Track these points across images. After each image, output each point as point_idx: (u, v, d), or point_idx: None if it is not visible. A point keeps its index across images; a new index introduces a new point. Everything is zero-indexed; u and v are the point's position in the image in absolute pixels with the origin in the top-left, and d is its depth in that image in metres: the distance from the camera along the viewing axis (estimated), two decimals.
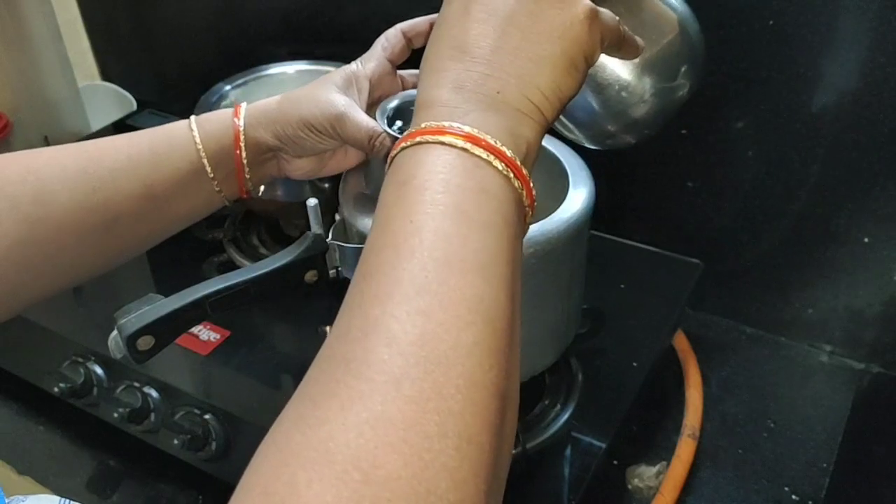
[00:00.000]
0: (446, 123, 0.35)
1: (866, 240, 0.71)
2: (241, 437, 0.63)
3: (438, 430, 0.27)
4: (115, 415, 0.65)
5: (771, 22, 0.66)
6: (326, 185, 0.76)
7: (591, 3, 0.39)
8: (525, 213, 0.36)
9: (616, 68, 0.49)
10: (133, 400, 0.66)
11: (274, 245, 0.83)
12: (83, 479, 0.70)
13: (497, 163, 0.34)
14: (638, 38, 0.45)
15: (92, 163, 0.50)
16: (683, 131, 0.76)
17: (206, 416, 0.64)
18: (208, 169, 0.52)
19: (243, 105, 0.54)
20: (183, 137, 0.52)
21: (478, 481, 0.27)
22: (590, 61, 0.40)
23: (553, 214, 0.55)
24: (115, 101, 1.12)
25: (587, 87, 0.49)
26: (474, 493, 0.27)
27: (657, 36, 0.49)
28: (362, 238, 0.53)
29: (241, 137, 0.53)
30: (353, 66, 0.55)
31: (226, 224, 0.85)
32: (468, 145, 0.34)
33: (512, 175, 0.34)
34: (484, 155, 0.34)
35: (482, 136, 0.34)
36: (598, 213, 0.58)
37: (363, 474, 0.25)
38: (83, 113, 1.07)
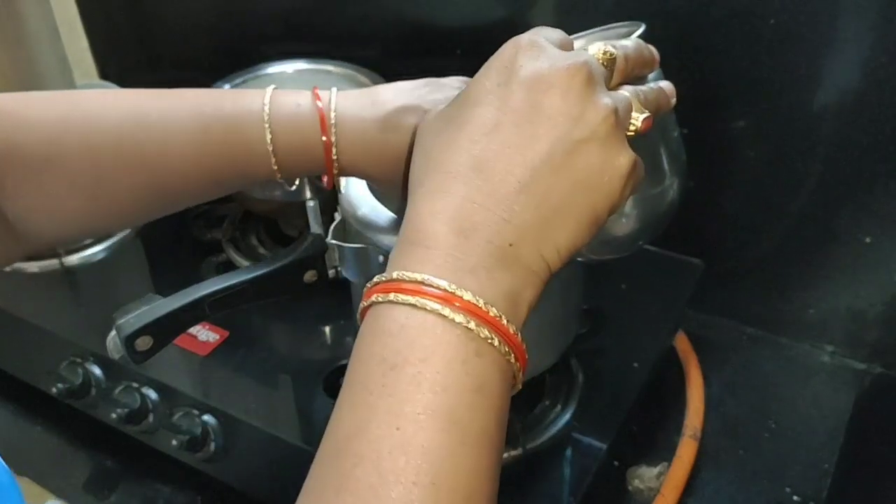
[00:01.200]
0: (445, 284, 0.29)
1: (868, 240, 0.71)
2: (239, 438, 0.63)
3: None
4: (114, 415, 0.65)
5: (771, 21, 0.66)
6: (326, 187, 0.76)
7: (634, 155, 0.34)
8: (517, 388, 0.32)
9: None
10: (131, 400, 0.66)
11: (273, 245, 0.83)
12: (81, 479, 0.70)
13: (500, 345, 0.30)
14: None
15: (155, 155, 0.44)
16: (684, 131, 0.76)
17: (205, 417, 0.64)
18: (278, 176, 0.46)
19: (332, 119, 0.43)
20: (260, 152, 0.44)
21: None
22: (612, 214, 0.35)
23: None
24: None
25: None
26: None
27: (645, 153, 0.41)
28: (362, 238, 0.53)
29: (335, 165, 0.44)
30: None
31: (225, 224, 0.85)
32: (472, 323, 0.29)
33: (513, 358, 0.31)
34: (487, 336, 0.29)
35: (487, 309, 0.29)
36: None
37: None
38: None
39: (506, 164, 0.31)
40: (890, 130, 0.65)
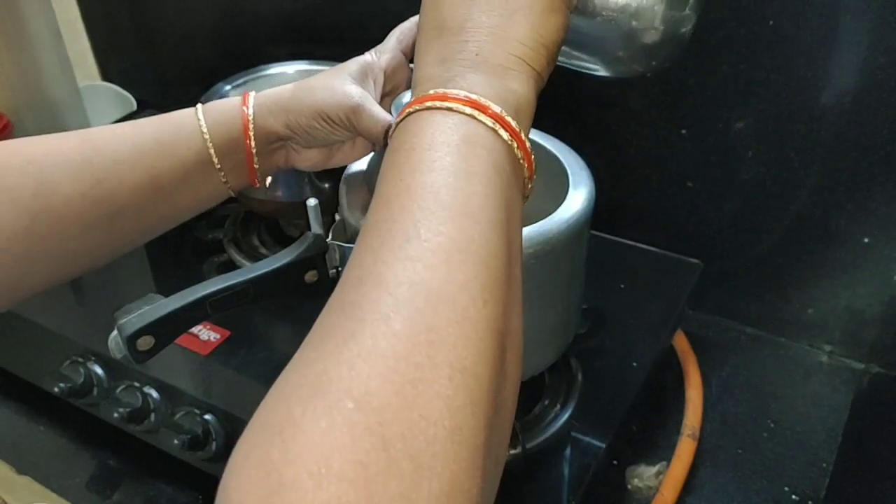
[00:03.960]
0: (431, 91, 0.36)
1: (866, 240, 0.71)
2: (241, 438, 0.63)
3: (429, 361, 0.27)
4: (116, 415, 0.65)
5: (771, 22, 0.66)
6: (326, 185, 0.76)
7: None
8: (520, 166, 0.36)
9: None
10: (133, 400, 0.66)
11: (274, 245, 0.83)
12: (83, 478, 0.70)
13: (482, 117, 0.34)
14: None
15: (95, 153, 0.49)
16: (683, 131, 0.76)
17: (206, 416, 0.64)
18: (215, 160, 0.52)
19: (251, 93, 0.53)
20: (189, 126, 0.51)
21: (475, 410, 0.28)
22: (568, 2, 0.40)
23: (553, 214, 0.55)
24: (115, 101, 1.12)
25: (596, 19, 0.48)
26: (472, 421, 0.27)
27: None
28: None
29: (251, 126, 0.52)
30: (368, 56, 0.55)
31: (226, 224, 0.85)
32: (453, 105, 0.35)
33: (499, 128, 0.35)
34: (468, 111, 0.34)
35: (466, 96, 0.35)
36: (598, 213, 0.58)
37: (356, 402, 0.26)
38: (83, 113, 1.07)
39: (451, 10, 0.39)
40: (889, 131, 0.66)
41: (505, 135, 0.35)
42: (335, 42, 0.92)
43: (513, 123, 0.35)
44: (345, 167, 0.61)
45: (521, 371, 0.33)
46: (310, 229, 0.53)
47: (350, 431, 0.25)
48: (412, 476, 0.25)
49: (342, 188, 0.58)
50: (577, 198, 0.57)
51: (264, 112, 0.52)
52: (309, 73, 0.86)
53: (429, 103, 0.35)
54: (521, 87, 0.37)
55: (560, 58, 0.44)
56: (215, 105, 0.53)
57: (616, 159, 0.80)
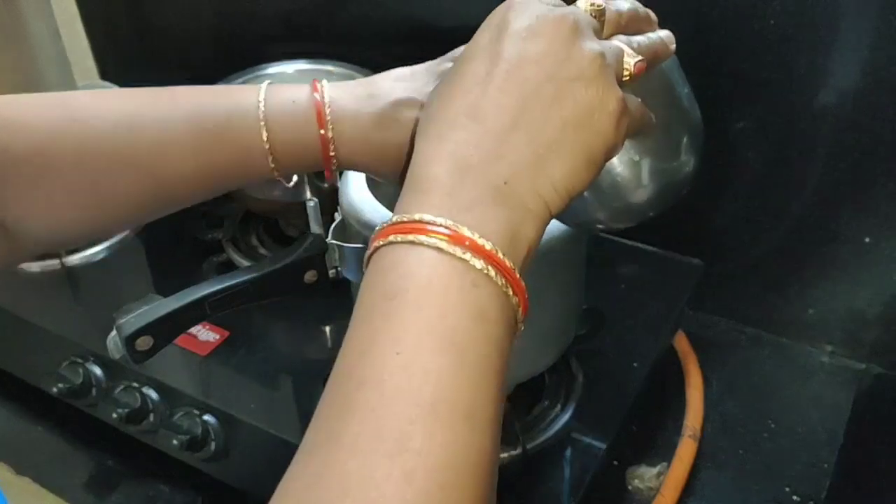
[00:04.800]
0: (442, 221, 0.31)
1: (867, 240, 0.71)
2: (239, 438, 0.63)
3: None
4: (114, 415, 0.65)
5: (771, 22, 0.66)
6: (326, 185, 0.76)
7: (622, 94, 0.35)
8: (517, 328, 0.33)
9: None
10: (132, 400, 0.66)
11: (273, 245, 0.83)
12: (82, 479, 0.70)
13: (497, 277, 0.30)
14: (651, 115, 0.40)
15: (148, 148, 0.44)
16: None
17: (205, 417, 0.64)
18: (275, 174, 0.45)
19: (328, 118, 0.43)
20: (257, 152, 0.44)
21: None
22: (609, 157, 0.36)
23: None
24: None
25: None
26: None
27: (654, 110, 0.42)
28: (362, 238, 0.53)
29: (333, 161, 0.44)
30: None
31: (225, 224, 0.85)
32: (468, 256, 0.30)
33: (511, 291, 0.31)
34: (483, 268, 0.30)
35: (483, 244, 0.30)
36: None
37: None
38: None
39: (497, 107, 0.33)
40: (890, 131, 0.65)
41: (514, 300, 0.31)
42: (334, 41, 0.92)
43: (523, 284, 0.32)
44: None
45: None
46: (309, 229, 0.53)
47: None
48: None
49: (342, 188, 0.58)
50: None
51: (349, 154, 0.44)
52: (308, 73, 0.86)
53: (439, 243, 0.30)
54: (533, 235, 0.33)
55: None
56: (285, 124, 0.44)
57: None
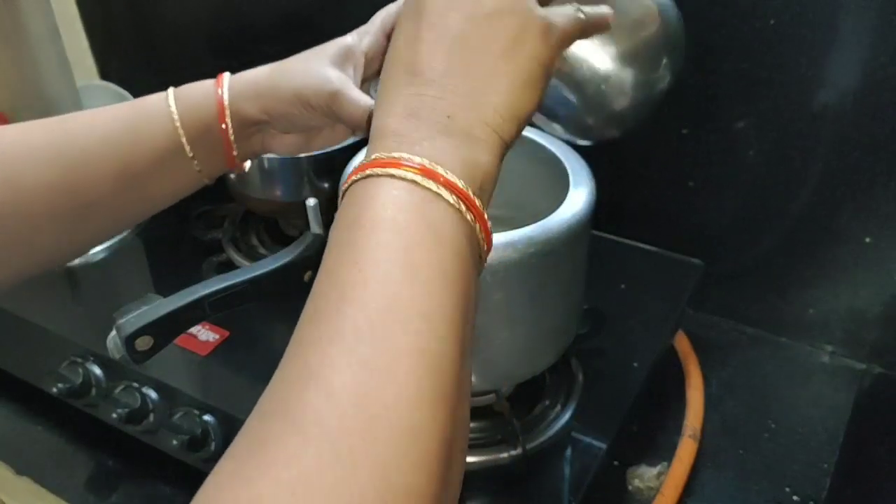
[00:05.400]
0: (396, 154, 0.34)
1: (867, 239, 0.71)
2: None
3: (373, 484, 0.26)
4: (114, 415, 0.65)
5: (772, 21, 0.66)
6: (326, 185, 0.76)
7: (543, 16, 0.38)
8: (479, 246, 0.34)
9: (594, 63, 0.47)
10: (132, 400, 0.66)
11: (273, 245, 0.83)
12: (82, 479, 0.70)
13: (449, 195, 0.33)
14: (603, 8, 0.42)
15: (62, 142, 0.47)
16: (684, 131, 0.76)
17: (205, 417, 0.64)
18: (187, 148, 0.49)
19: (226, 75, 0.50)
20: (160, 112, 0.49)
21: None
22: (550, 71, 0.39)
23: (553, 214, 0.55)
24: (113, 100, 1.11)
25: (565, 84, 0.48)
26: None
27: (636, 26, 0.48)
28: None
29: (227, 111, 0.49)
30: (349, 39, 0.52)
31: (225, 224, 0.85)
32: (418, 177, 0.33)
33: (464, 208, 0.33)
34: (434, 187, 0.32)
35: (432, 167, 0.33)
36: (599, 213, 0.58)
37: None
38: None
39: (430, 59, 0.36)
40: (890, 130, 0.65)
41: (469, 216, 0.33)
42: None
43: (477, 203, 0.34)
44: (344, 167, 0.61)
45: (461, 477, 0.31)
46: (309, 229, 0.53)
47: None
48: None
49: (342, 187, 0.58)
50: (578, 198, 0.57)
51: (239, 96, 0.49)
52: None
53: (391, 170, 0.33)
54: (487, 159, 0.35)
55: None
56: (188, 89, 0.50)
57: (616, 159, 0.80)
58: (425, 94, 0.36)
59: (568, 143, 0.59)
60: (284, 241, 0.83)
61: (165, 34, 1.10)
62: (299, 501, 0.25)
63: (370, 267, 0.31)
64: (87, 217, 0.49)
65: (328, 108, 0.49)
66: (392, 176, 0.33)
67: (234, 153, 0.51)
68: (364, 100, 0.48)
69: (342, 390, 0.27)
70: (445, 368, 0.30)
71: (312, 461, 0.26)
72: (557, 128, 0.53)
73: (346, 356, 0.28)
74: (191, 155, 0.49)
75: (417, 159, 0.33)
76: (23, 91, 0.96)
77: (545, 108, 0.41)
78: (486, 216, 0.34)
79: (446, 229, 0.32)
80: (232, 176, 0.79)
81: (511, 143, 0.37)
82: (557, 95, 0.46)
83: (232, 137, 0.50)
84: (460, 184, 0.33)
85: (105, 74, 1.18)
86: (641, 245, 0.80)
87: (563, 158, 0.61)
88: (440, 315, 0.31)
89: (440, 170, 0.33)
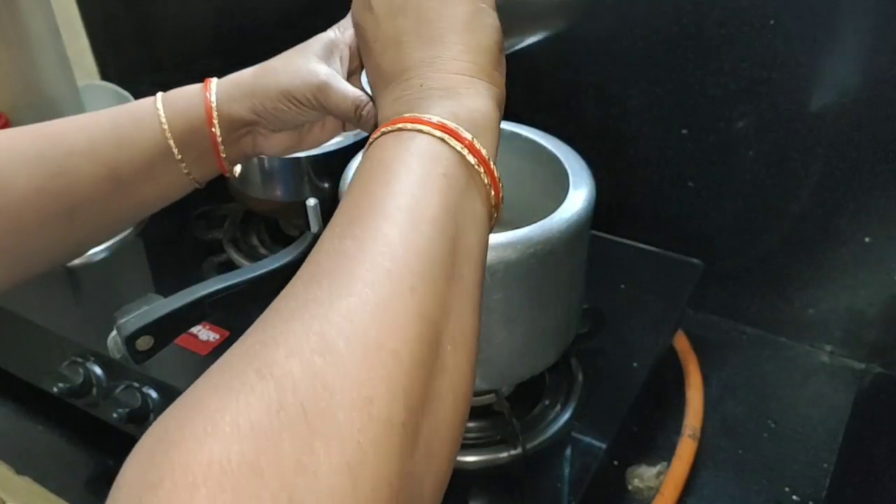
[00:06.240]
0: (396, 117, 0.37)
1: (867, 239, 0.71)
2: None
3: (340, 336, 0.28)
4: (115, 415, 0.65)
5: (771, 21, 0.66)
6: (326, 185, 0.76)
7: None
8: (475, 172, 0.36)
9: None
10: (132, 400, 0.66)
11: (273, 245, 0.83)
12: (82, 479, 0.70)
13: (426, 128, 0.35)
14: None
15: (50, 146, 0.47)
16: (684, 131, 0.76)
17: None
18: (175, 150, 0.49)
19: (213, 79, 0.51)
20: (148, 116, 0.49)
21: (391, 385, 0.27)
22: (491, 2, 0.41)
23: (553, 214, 0.55)
24: (114, 100, 1.12)
25: None
26: (386, 396, 0.27)
27: None
28: None
29: (215, 114, 0.50)
30: (331, 33, 0.53)
31: (225, 224, 0.85)
32: (417, 126, 0.36)
33: (448, 136, 0.35)
34: (409, 126, 0.35)
35: (412, 116, 0.36)
36: (598, 213, 0.58)
37: (257, 371, 0.26)
38: (82, 112, 1.07)
39: (389, 35, 0.41)
40: (890, 130, 0.65)
41: (456, 144, 0.35)
42: None
43: (461, 131, 0.36)
44: (344, 167, 0.61)
45: (472, 378, 0.32)
46: (309, 229, 0.53)
47: (246, 396, 0.25)
48: (307, 439, 0.24)
49: (342, 187, 0.58)
50: (578, 198, 0.57)
51: (227, 98, 0.50)
52: None
53: (383, 129, 0.36)
54: (476, 102, 0.38)
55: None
56: (176, 93, 0.51)
57: (616, 159, 0.80)
58: (397, 85, 0.39)
59: (581, 147, 0.59)
60: (285, 241, 0.83)
61: (165, 34, 1.10)
62: (264, 347, 0.27)
63: (375, 225, 0.33)
64: (77, 221, 0.49)
65: (316, 102, 0.49)
66: (393, 131, 0.36)
67: (223, 155, 0.51)
68: (352, 90, 0.49)
69: (325, 271, 0.31)
70: (426, 252, 0.32)
71: (298, 326, 0.28)
72: (522, 38, 0.53)
73: (330, 245, 0.32)
74: (179, 158, 0.49)
75: (408, 114, 0.36)
76: (23, 91, 0.96)
77: (506, 26, 0.42)
78: (480, 148, 0.36)
79: (435, 153, 0.35)
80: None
81: (496, 81, 0.39)
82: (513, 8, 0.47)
83: (220, 140, 0.50)
84: (435, 119, 0.36)
85: (105, 74, 1.18)
86: (641, 245, 0.80)
87: (563, 158, 0.61)
88: (417, 211, 0.33)
89: (424, 116, 0.36)
